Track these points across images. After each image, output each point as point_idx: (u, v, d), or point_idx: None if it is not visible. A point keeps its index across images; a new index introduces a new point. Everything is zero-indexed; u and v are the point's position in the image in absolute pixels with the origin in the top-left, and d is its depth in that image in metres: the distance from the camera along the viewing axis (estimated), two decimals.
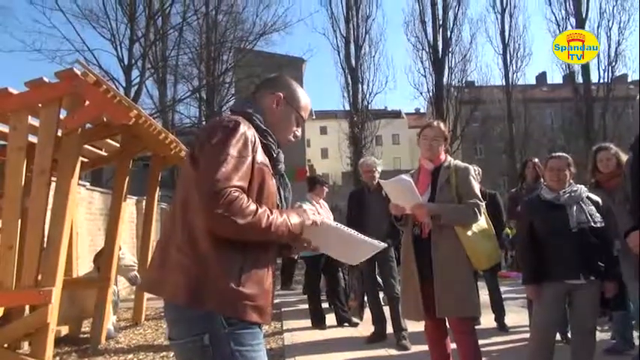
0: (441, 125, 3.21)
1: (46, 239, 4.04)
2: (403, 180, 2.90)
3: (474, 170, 3.23)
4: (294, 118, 1.75)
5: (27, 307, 4.43)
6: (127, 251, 6.06)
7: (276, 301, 6.91)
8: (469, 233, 2.96)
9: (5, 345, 4.06)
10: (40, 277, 3.95)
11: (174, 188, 1.66)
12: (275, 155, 1.65)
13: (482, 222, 3.06)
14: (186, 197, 1.50)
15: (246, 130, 1.52)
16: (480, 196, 3.09)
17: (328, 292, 6.32)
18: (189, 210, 1.48)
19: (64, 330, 5.30)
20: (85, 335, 5.41)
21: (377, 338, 4.78)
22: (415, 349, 4.31)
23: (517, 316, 5.68)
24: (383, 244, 1.75)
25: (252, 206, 1.44)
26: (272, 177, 1.61)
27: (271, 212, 1.50)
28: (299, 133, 1.78)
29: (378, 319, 4.89)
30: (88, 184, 9.18)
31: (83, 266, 6.66)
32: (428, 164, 3.15)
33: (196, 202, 1.44)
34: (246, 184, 1.47)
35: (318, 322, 5.61)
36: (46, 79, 4.05)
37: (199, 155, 1.49)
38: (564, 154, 3.26)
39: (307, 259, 5.82)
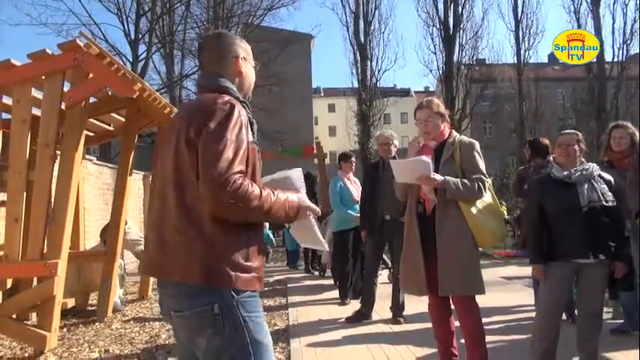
0: (431, 103, 3.09)
1: (51, 212, 4.06)
2: (423, 161, 2.85)
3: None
4: (254, 69, 1.81)
5: (35, 280, 4.49)
6: (133, 226, 6.10)
7: (281, 277, 6.93)
8: (474, 210, 2.90)
9: (14, 316, 4.11)
10: (45, 250, 3.97)
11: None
12: (253, 125, 1.67)
13: (488, 198, 2.99)
14: (181, 179, 1.52)
15: (240, 111, 1.54)
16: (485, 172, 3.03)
17: (335, 269, 6.34)
18: (186, 192, 1.50)
19: (71, 302, 5.38)
20: (92, 308, 5.48)
21: (360, 318, 4.70)
22: (419, 327, 4.30)
23: (522, 295, 5.69)
24: (326, 247, 1.92)
25: (256, 190, 1.48)
26: (258, 151, 1.63)
27: (273, 194, 1.54)
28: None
29: (368, 302, 4.82)
30: (95, 158, 9.20)
31: (91, 240, 6.72)
32: (431, 142, 3.09)
33: (200, 187, 1.45)
34: (245, 168, 1.51)
35: (343, 298, 5.58)
36: (49, 51, 4.00)
37: (196, 139, 1.50)
38: (573, 131, 3.18)
39: (335, 236, 5.79)
